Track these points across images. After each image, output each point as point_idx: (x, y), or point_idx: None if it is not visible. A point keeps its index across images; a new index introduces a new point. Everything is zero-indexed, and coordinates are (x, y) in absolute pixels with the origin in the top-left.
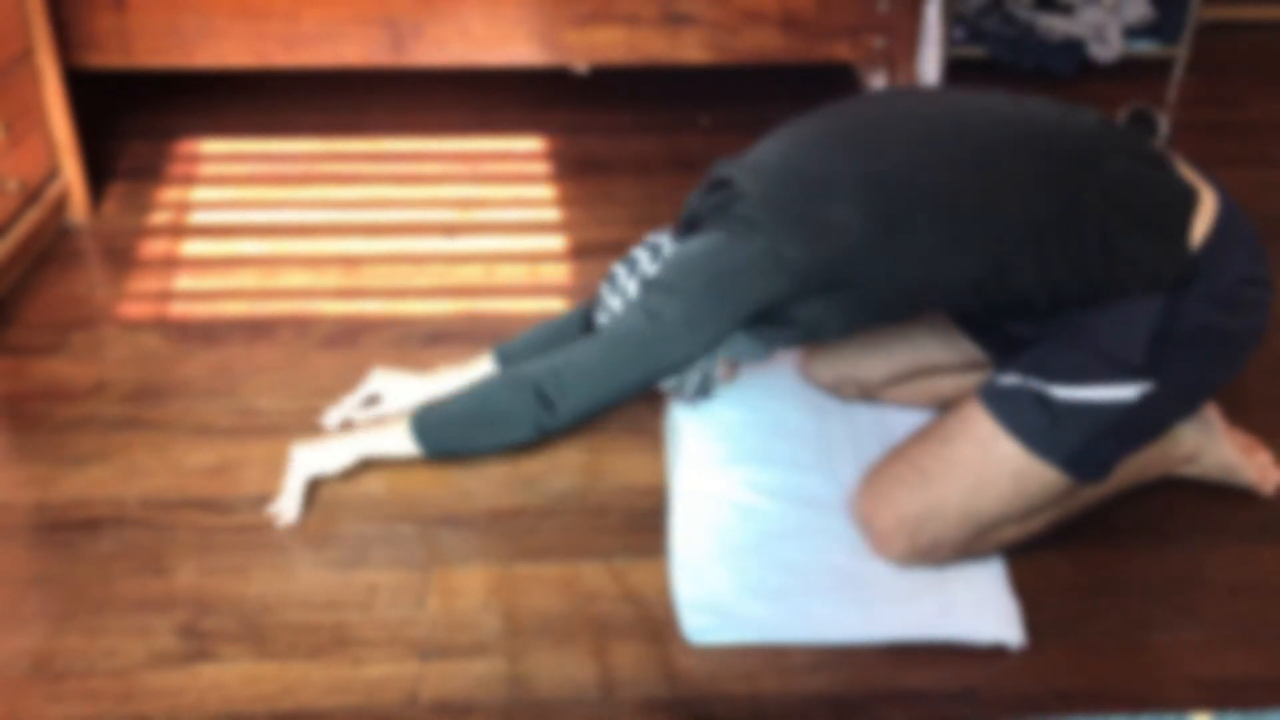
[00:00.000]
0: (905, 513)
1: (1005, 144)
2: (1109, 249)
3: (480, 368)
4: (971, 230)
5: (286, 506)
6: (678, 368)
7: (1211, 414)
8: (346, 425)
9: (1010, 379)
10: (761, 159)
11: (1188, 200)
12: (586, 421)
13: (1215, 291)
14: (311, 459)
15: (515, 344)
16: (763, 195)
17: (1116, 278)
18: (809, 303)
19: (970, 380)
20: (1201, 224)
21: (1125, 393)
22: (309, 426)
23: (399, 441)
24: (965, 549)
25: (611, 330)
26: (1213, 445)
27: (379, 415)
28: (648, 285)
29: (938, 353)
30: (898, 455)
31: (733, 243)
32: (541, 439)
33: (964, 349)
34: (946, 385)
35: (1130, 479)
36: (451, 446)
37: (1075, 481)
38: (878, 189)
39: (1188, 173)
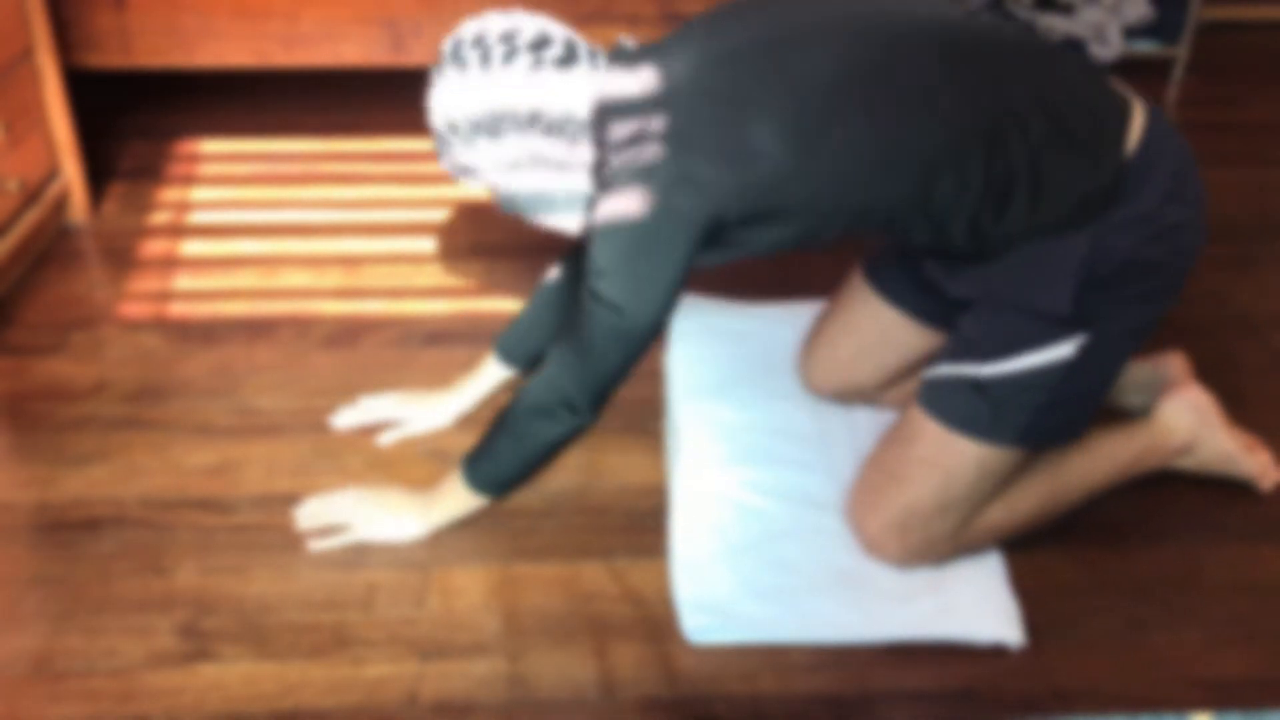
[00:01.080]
0: (888, 517)
1: (925, 48)
2: (1035, 167)
3: (491, 371)
4: (893, 144)
5: (324, 545)
6: (658, 325)
7: (1205, 402)
8: (360, 430)
9: (942, 370)
10: (675, 84)
11: (1122, 111)
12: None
13: (1139, 216)
14: (380, 529)
15: (513, 333)
16: (676, 133)
17: (1042, 204)
18: (748, 229)
19: None
20: (1131, 139)
21: (1061, 351)
22: (309, 426)
23: (465, 501)
24: (958, 540)
25: (584, 328)
26: (1210, 435)
27: (405, 436)
28: (588, 272)
29: (925, 348)
30: (870, 462)
31: (648, 196)
32: (594, 423)
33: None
34: None
35: (1124, 473)
36: (513, 482)
37: (1044, 449)
38: (793, 106)
39: (1118, 85)
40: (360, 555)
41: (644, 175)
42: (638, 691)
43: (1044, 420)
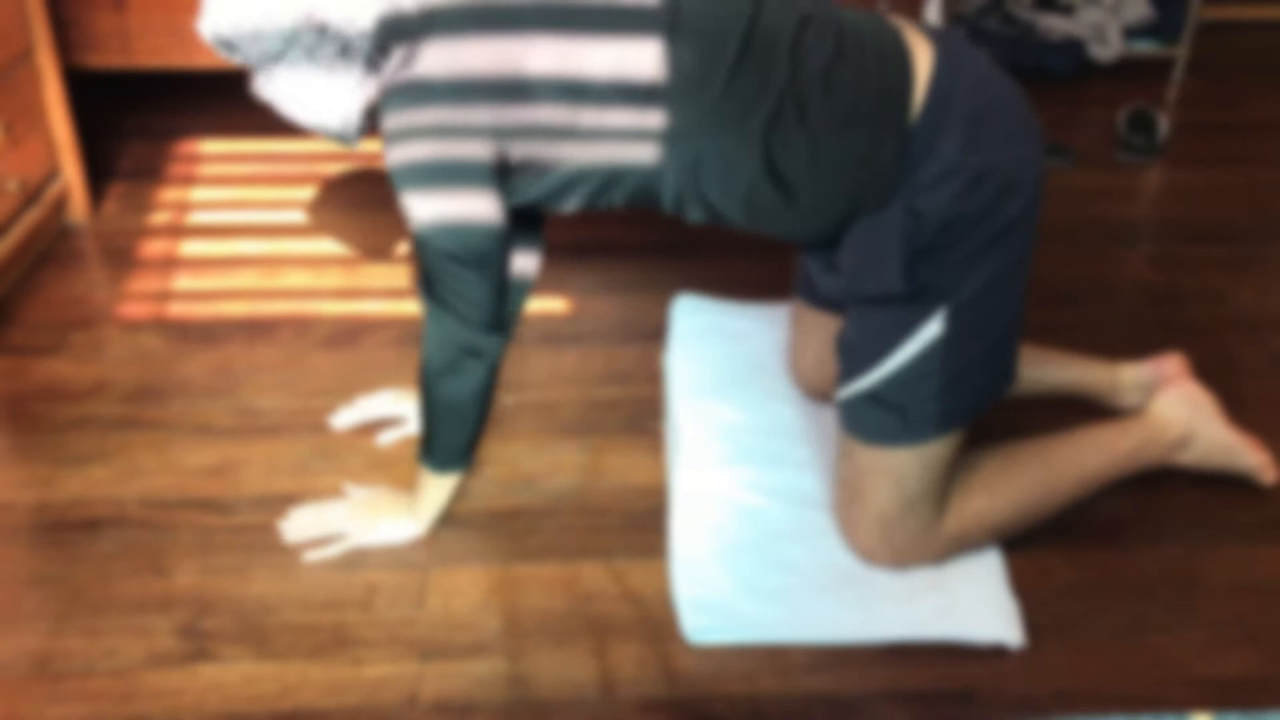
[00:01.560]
0: (866, 528)
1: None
2: (827, 146)
3: None
4: (677, 107)
5: (321, 555)
6: (489, 238)
7: (1200, 395)
8: (360, 428)
9: (842, 394)
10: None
11: (904, 71)
12: (517, 310)
13: (942, 172)
14: (379, 534)
15: None
16: (449, 59)
17: (847, 183)
18: (524, 172)
19: None
20: (917, 97)
21: (930, 331)
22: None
23: (442, 485)
24: (948, 532)
25: (430, 272)
26: (1206, 426)
27: (405, 434)
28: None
29: None
30: (835, 480)
31: (424, 119)
32: (503, 346)
33: None
34: None
35: (1120, 466)
36: (470, 443)
37: (974, 418)
38: (568, 30)
39: (906, 29)
40: (360, 556)
41: (417, 96)
42: (638, 691)
43: (953, 400)
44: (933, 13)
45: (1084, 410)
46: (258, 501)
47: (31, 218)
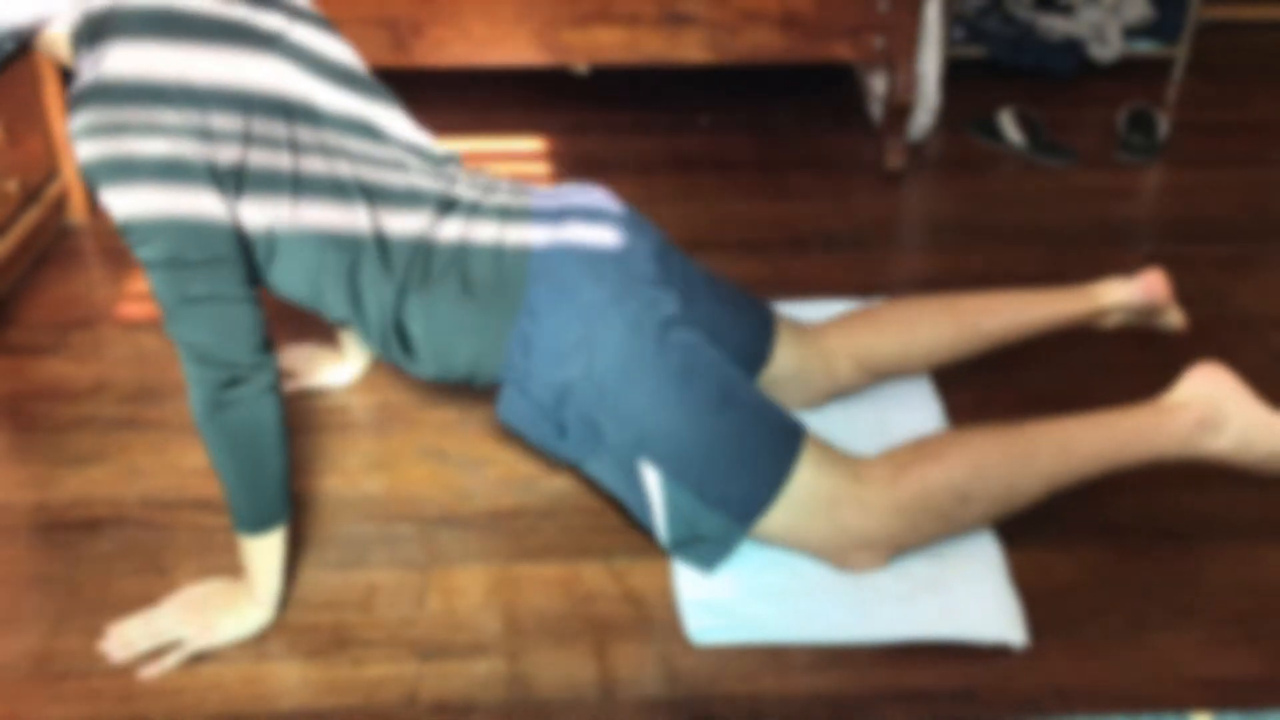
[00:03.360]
0: (841, 560)
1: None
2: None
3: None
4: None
5: (158, 669)
6: (203, 244)
7: (1222, 373)
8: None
9: (665, 545)
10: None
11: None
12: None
13: (525, 374)
14: (222, 632)
15: None
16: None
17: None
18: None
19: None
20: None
21: (649, 477)
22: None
23: (266, 549)
24: (929, 511)
25: (158, 303)
26: (1238, 405)
27: (299, 388)
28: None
29: (795, 342)
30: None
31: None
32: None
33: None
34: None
35: (1122, 452)
36: (273, 494)
37: (781, 483)
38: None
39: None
40: (360, 555)
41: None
42: (637, 691)
43: (708, 475)
44: (933, 12)
45: None
46: None
47: (31, 218)
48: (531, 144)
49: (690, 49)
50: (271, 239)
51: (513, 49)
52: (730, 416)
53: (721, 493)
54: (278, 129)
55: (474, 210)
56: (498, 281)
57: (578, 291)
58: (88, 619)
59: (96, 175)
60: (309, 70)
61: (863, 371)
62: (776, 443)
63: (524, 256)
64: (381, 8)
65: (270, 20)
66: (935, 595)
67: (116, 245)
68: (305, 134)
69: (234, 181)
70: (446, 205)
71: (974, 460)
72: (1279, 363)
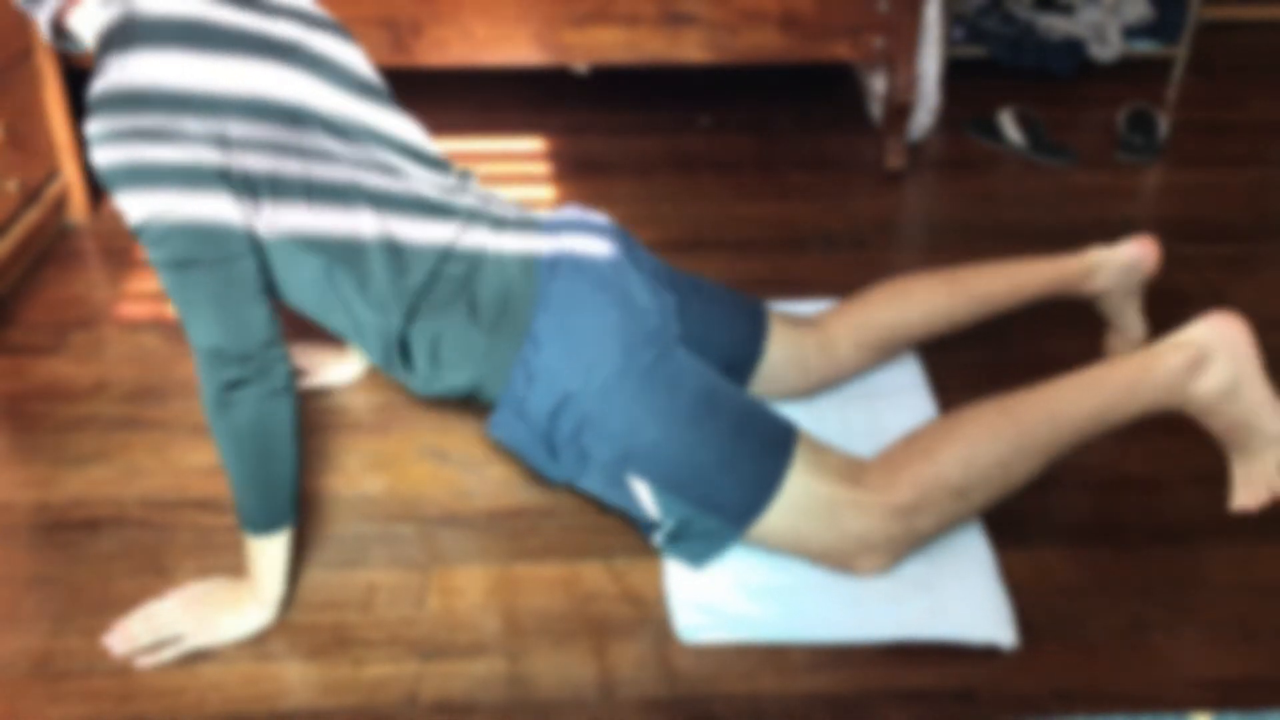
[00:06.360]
0: (847, 564)
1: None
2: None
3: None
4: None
5: (156, 660)
6: (210, 241)
7: (1237, 328)
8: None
9: (659, 547)
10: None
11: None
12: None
13: (520, 400)
14: (221, 631)
15: None
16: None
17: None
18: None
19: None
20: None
21: (637, 491)
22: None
23: (272, 548)
24: (900, 499)
25: (174, 304)
26: (1249, 373)
27: (302, 386)
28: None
29: (786, 335)
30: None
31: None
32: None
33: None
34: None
35: (1119, 407)
36: (281, 495)
37: (774, 488)
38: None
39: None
40: (360, 555)
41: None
42: (637, 691)
43: (700, 485)
44: (933, 12)
45: None
46: None
47: (31, 218)
48: (531, 144)
49: (690, 49)
50: (281, 247)
51: (513, 49)
52: (718, 425)
53: (715, 500)
54: (293, 138)
55: (484, 229)
56: (505, 305)
57: (580, 322)
58: (88, 619)
59: (114, 180)
60: (327, 81)
61: (861, 349)
62: (768, 448)
63: (531, 281)
64: (381, 8)
65: (289, 30)
66: (925, 595)
67: (116, 245)
68: (320, 144)
69: (249, 189)
70: (457, 222)
71: (965, 453)
72: (1279, 362)
